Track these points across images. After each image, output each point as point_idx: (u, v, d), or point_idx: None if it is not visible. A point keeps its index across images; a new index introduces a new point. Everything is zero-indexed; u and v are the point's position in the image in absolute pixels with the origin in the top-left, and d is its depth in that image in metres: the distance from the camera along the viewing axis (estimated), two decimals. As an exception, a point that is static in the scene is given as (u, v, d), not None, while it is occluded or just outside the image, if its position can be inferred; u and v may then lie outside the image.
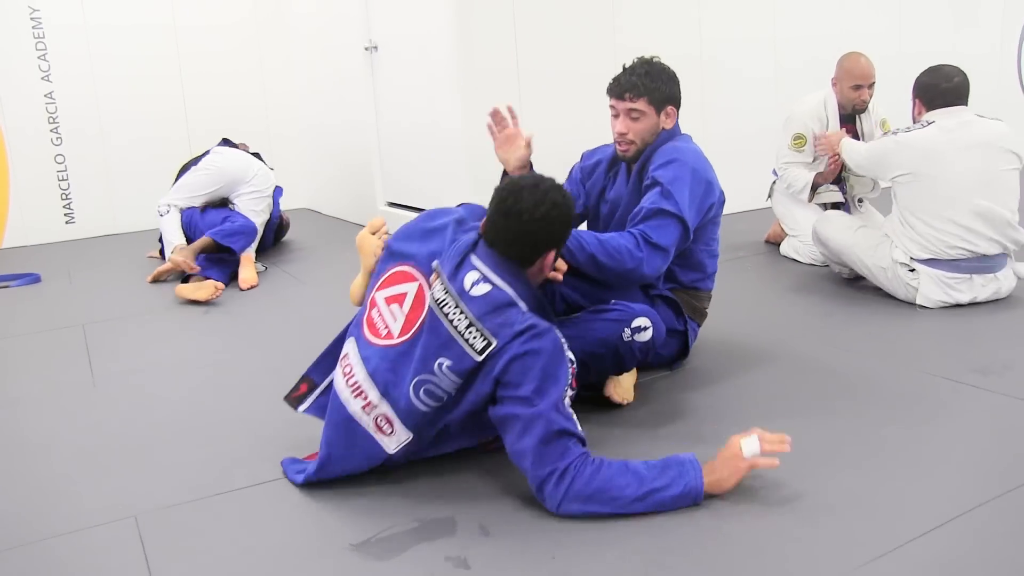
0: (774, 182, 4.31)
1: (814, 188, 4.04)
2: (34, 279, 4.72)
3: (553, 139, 4.58)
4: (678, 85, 2.62)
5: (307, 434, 2.23)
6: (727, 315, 3.19)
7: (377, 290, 2.10)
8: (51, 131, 5.92)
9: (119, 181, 6.09)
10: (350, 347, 2.06)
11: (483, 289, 1.94)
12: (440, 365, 1.92)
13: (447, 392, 1.94)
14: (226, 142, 5.02)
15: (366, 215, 5.63)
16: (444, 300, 1.95)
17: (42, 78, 5.85)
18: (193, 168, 4.83)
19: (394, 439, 1.98)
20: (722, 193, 2.62)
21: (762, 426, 1.93)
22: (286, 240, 5.30)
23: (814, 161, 4.04)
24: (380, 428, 1.99)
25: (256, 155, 5.02)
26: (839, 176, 4.08)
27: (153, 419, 2.57)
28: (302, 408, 2.21)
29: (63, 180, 6.01)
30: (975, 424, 2.24)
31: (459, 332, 1.91)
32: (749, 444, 1.87)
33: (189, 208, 4.68)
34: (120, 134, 6.10)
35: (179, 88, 6.28)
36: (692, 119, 5.08)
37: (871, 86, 3.96)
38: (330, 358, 2.19)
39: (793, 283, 3.69)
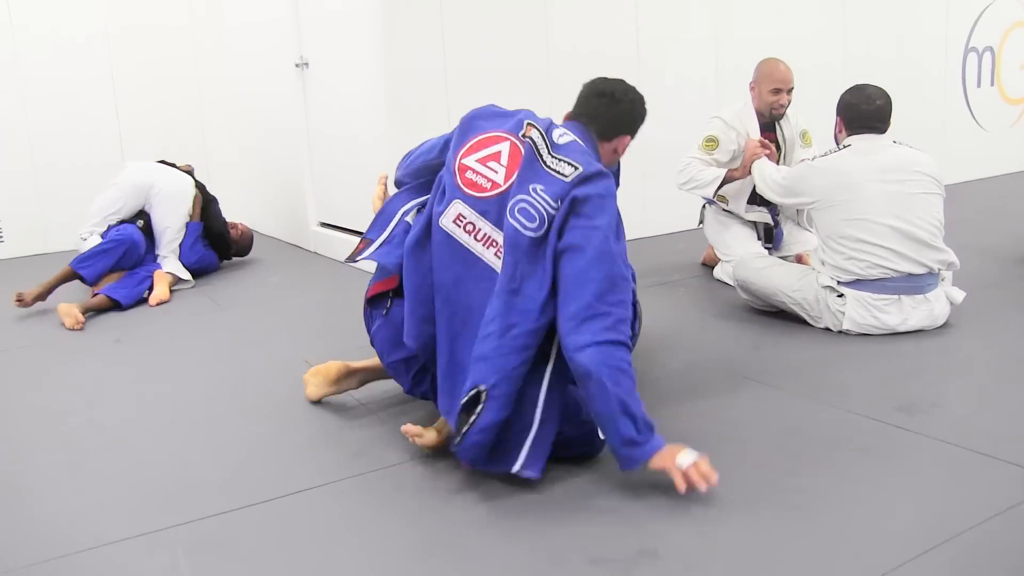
0: (704, 205, 4.22)
1: (725, 182, 3.86)
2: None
3: None
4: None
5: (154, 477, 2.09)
6: (649, 344, 3.08)
7: (463, 157, 2.23)
8: (-23, 149, 5.73)
9: (49, 201, 5.88)
10: (460, 208, 2.16)
11: (569, 138, 2.19)
12: (534, 188, 2.08)
13: (539, 215, 2.04)
14: (162, 164, 4.87)
15: (299, 235, 5.50)
16: (538, 143, 2.14)
17: (-33, 93, 5.66)
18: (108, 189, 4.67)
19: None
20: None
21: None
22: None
23: (728, 161, 3.93)
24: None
25: (189, 172, 4.86)
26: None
27: (18, 470, 2.42)
28: (364, 255, 2.36)
29: (-10, 199, 5.81)
30: (900, 471, 2.10)
31: (550, 166, 2.10)
32: (685, 456, 1.94)
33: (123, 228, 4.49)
34: (50, 150, 5.88)
35: (112, 106, 6.10)
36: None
37: (790, 91, 3.90)
38: (383, 217, 2.40)
39: (722, 310, 3.58)
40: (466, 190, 2.18)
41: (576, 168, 2.07)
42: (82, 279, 4.24)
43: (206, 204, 4.87)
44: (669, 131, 4.99)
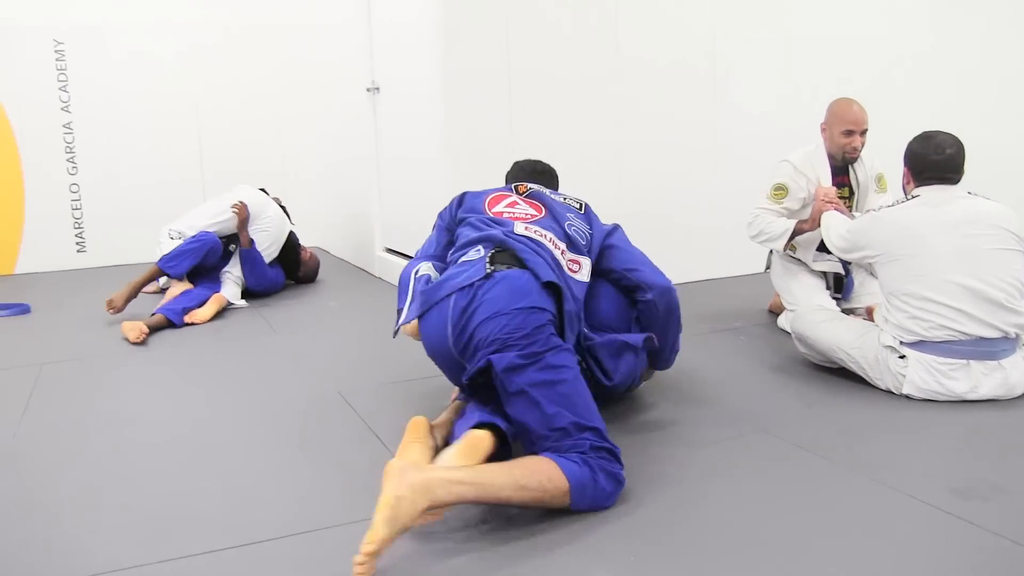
0: (771, 252, 4.04)
1: (795, 235, 3.70)
2: (23, 309, 4.68)
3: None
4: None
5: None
6: (700, 392, 2.96)
7: (492, 207, 2.68)
8: (67, 160, 5.95)
9: (131, 212, 6.08)
10: (520, 229, 2.54)
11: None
12: (568, 215, 2.69)
13: (583, 238, 2.66)
14: (262, 192, 5.05)
15: (366, 259, 5.51)
16: (538, 189, 2.78)
17: (61, 108, 5.89)
18: (214, 198, 4.93)
19: (582, 271, 2.60)
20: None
21: (695, 543, 1.67)
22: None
23: (799, 209, 3.76)
24: (572, 270, 2.56)
25: (282, 207, 5.08)
26: None
27: (52, 483, 2.43)
28: (398, 325, 2.58)
29: (76, 209, 6.02)
30: (942, 567, 1.87)
31: (563, 199, 2.76)
32: None
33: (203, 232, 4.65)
34: (134, 166, 6.11)
35: (195, 126, 6.27)
36: (703, 164, 4.90)
37: (863, 133, 3.68)
38: (401, 288, 2.64)
39: (781, 362, 3.38)
40: (520, 221, 2.58)
41: (578, 200, 2.81)
42: (168, 276, 4.53)
43: (290, 234, 5.05)
44: (740, 171, 4.87)
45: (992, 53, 5.64)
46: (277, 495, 2.29)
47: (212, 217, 4.76)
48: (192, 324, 4.22)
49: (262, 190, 5.04)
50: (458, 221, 2.72)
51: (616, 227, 2.82)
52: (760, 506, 2.15)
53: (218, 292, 4.53)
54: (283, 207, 5.07)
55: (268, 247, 4.85)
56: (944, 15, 5.48)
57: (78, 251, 6.07)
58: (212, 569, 1.91)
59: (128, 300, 4.36)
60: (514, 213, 2.63)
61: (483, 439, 2.16)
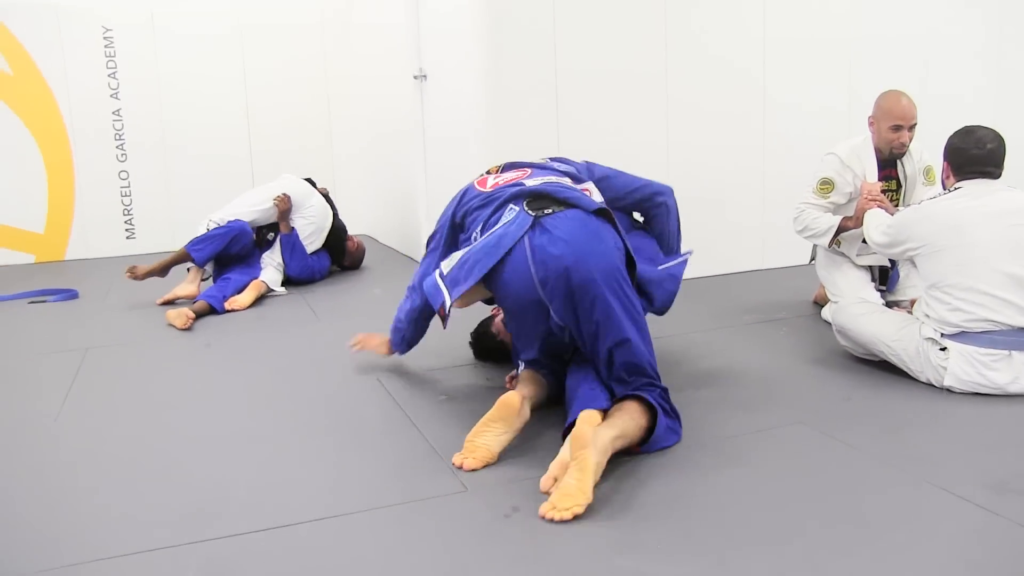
0: (815, 246, 3.97)
1: (839, 232, 3.63)
2: (71, 295, 4.78)
3: (590, 154, 4.39)
4: None
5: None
6: (739, 382, 2.93)
7: (483, 187, 2.72)
8: (117, 147, 6.05)
9: (180, 199, 6.18)
10: (531, 183, 2.61)
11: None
12: (549, 162, 2.87)
13: (570, 169, 2.82)
14: (308, 182, 5.10)
15: (412, 247, 5.53)
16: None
17: (111, 96, 5.99)
18: (259, 187, 5.01)
19: (596, 195, 2.67)
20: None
21: (727, 534, 1.65)
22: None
23: (846, 203, 3.68)
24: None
25: (326, 196, 5.15)
26: None
27: (91, 465, 2.47)
28: (448, 310, 2.47)
29: (126, 196, 6.13)
30: (972, 564, 1.82)
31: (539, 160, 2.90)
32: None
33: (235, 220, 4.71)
34: (183, 153, 6.20)
35: (244, 113, 6.34)
36: (752, 158, 4.84)
37: (912, 128, 3.57)
38: (431, 287, 2.55)
39: (822, 355, 3.31)
40: (512, 179, 2.68)
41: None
42: (193, 260, 4.54)
43: (334, 221, 5.12)
44: (790, 156, 4.80)
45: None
46: (310, 481, 2.31)
47: (251, 206, 4.80)
48: (233, 311, 4.27)
49: (308, 180, 5.08)
50: (464, 214, 2.72)
51: (590, 162, 2.97)
52: (793, 497, 2.12)
53: (257, 278, 4.56)
54: (330, 199, 5.13)
55: (310, 236, 4.89)
56: (992, 12, 5.32)
57: (127, 238, 6.18)
58: (244, 551, 1.93)
59: (150, 274, 4.48)
60: (509, 178, 2.69)
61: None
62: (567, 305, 2.39)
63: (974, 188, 2.84)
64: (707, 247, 4.59)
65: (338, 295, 4.67)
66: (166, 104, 6.12)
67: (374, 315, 4.14)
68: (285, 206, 4.76)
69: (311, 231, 4.90)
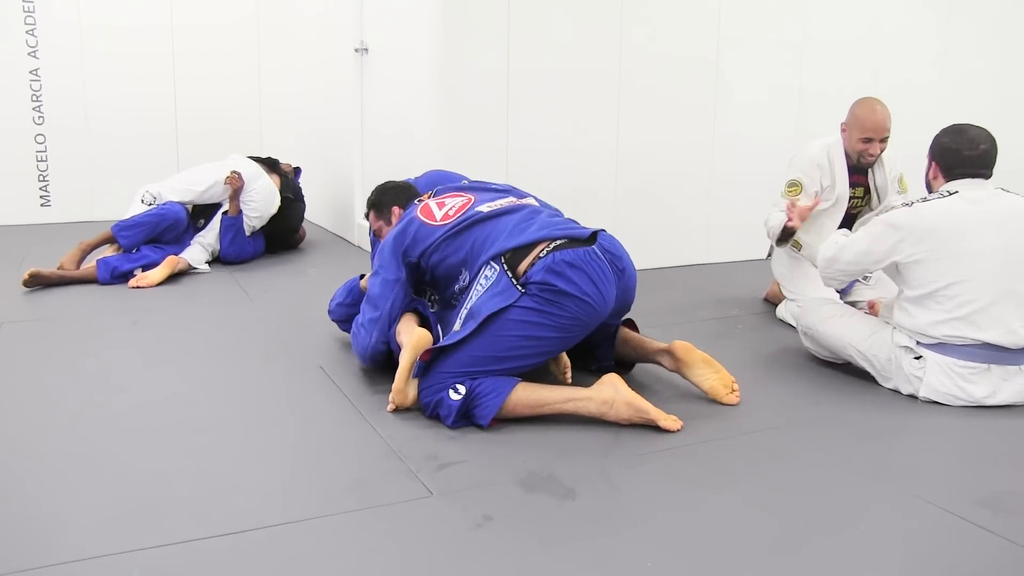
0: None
1: (786, 235, 3.56)
2: (-21, 266, 4.43)
3: (542, 143, 4.28)
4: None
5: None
6: (691, 387, 2.80)
7: (445, 216, 2.74)
8: (34, 109, 5.65)
9: (101, 167, 5.82)
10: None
11: None
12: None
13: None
14: (268, 162, 4.84)
15: (345, 227, 5.31)
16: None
17: (29, 54, 5.59)
18: (205, 164, 4.71)
19: None
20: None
21: (712, 547, 1.52)
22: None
23: (827, 206, 3.60)
24: None
25: (296, 170, 5.03)
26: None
27: (9, 460, 2.23)
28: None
29: (42, 160, 5.73)
30: (955, 572, 1.76)
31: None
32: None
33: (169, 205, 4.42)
34: (106, 120, 5.85)
35: (171, 77, 6.01)
36: (702, 149, 4.76)
37: (884, 140, 3.49)
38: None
39: (784, 356, 3.24)
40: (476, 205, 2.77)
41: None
42: (120, 245, 4.26)
43: (290, 204, 4.89)
44: (739, 154, 4.75)
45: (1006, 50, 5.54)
46: (259, 480, 2.11)
47: (193, 185, 4.52)
48: (140, 287, 4.00)
49: (269, 160, 4.84)
50: (424, 254, 2.71)
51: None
52: (775, 510, 2.02)
53: (173, 254, 4.29)
54: (292, 180, 4.94)
55: (253, 219, 4.62)
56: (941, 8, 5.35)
57: (42, 205, 5.78)
58: (188, 559, 1.73)
59: (78, 264, 4.18)
60: (459, 205, 2.76)
61: None
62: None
63: (970, 192, 2.72)
64: (652, 240, 4.54)
65: (270, 275, 4.42)
66: (89, 64, 5.74)
67: (310, 297, 3.94)
68: (237, 184, 4.49)
69: (256, 215, 4.62)
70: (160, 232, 4.32)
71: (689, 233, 4.81)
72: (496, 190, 2.92)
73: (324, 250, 5.08)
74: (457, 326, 2.51)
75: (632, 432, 2.41)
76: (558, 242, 2.48)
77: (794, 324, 3.62)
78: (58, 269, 4.09)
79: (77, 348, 3.15)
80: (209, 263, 4.48)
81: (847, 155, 3.58)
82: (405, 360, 2.45)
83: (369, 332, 2.71)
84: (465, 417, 2.38)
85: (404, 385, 2.46)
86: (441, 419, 2.40)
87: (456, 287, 2.69)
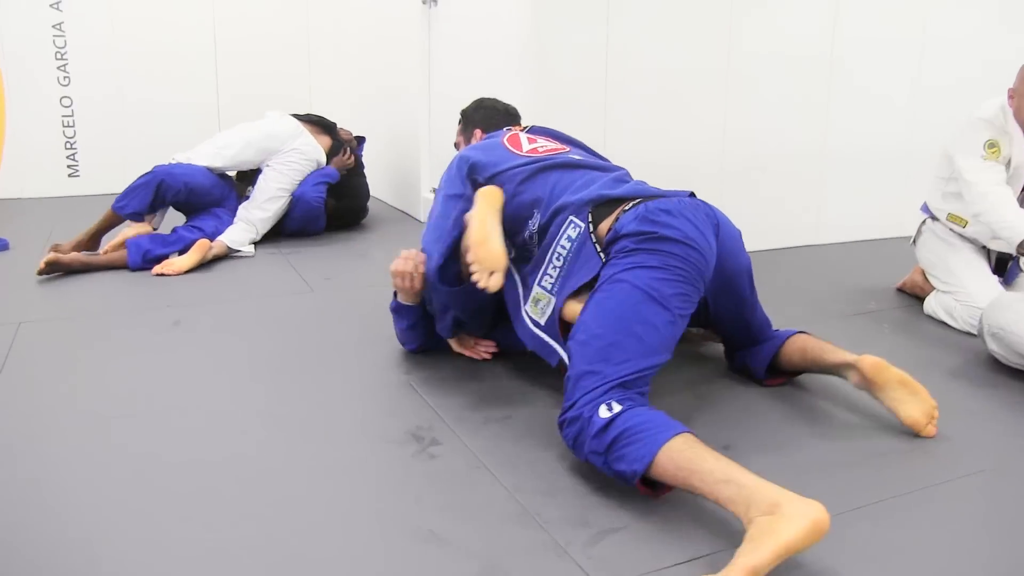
0: (924, 222, 3.32)
1: None
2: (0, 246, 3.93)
3: (643, 142, 3.71)
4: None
5: None
6: (842, 397, 2.25)
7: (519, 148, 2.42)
8: (59, 68, 5.14)
9: (133, 132, 5.30)
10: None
11: None
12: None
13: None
14: (324, 124, 4.31)
15: (410, 202, 4.78)
16: None
17: (51, 5, 5.06)
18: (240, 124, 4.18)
19: None
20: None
21: None
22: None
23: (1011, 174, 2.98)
24: None
25: (360, 140, 4.50)
26: None
27: (16, 510, 1.71)
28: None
29: (68, 127, 5.23)
30: None
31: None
32: None
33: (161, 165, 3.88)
34: (138, 79, 5.32)
35: (211, 28, 5.45)
36: (814, 127, 4.19)
37: None
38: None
39: (957, 363, 2.68)
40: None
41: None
42: (123, 218, 3.74)
43: (349, 179, 4.36)
44: (855, 137, 4.21)
45: None
46: (347, 558, 1.58)
47: (224, 148, 4.02)
48: (163, 275, 3.49)
49: (323, 121, 4.29)
50: (495, 177, 2.34)
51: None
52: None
53: (203, 237, 3.75)
54: (353, 149, 4.39)
55: (282, 183, 4.05)
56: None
57: (70, 175, 5.29)
58: None
59: (77, 250, 3.68)
60: (551, 148, 2.44)
61: None
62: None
63: None
64: (759, 219, 3.97)
65: (329, 259, 3.88)
66: (120, 21, 5.20)
67: (376, 284, 3.41)
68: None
69: (284, 182, 4.06)
70: (158, 192, 3.73)
71: (797, 213, 4.24)
72: (596, 155, 2.57)
73: (388, 230, 4.52)
74: (535, 311, 2.14)
75: (824, 485, 1.86)
76: (647, 197, 2.11)
77: (950, 322, 3.07)
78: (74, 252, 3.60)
79: (103, 356, 2.60)
80: (257, 243, 3.96)
81: (1019, 124, 2.97)
82: (479, 206, 2.18)
83: (429, 256, 2.29)
84: (605, 453, 1.77)
85: (485, 234, 2.10)
86: (573, 446, 1.84)
87: (527, 233, 2.23)
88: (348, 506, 1.74)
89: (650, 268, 1.93)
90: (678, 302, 1.95)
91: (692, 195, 2.20)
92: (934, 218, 3.26)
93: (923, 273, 3.38)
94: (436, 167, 4.47)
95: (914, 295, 3.43)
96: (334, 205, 4.24)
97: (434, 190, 4.53)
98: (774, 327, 2.43)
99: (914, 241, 3.39)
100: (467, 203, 2.25)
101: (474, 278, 2.07)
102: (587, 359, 1.86)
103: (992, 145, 2.93)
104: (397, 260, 2.37)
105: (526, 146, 2.41)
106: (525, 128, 2.57)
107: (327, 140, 4.23)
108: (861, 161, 4.27)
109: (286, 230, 4.14)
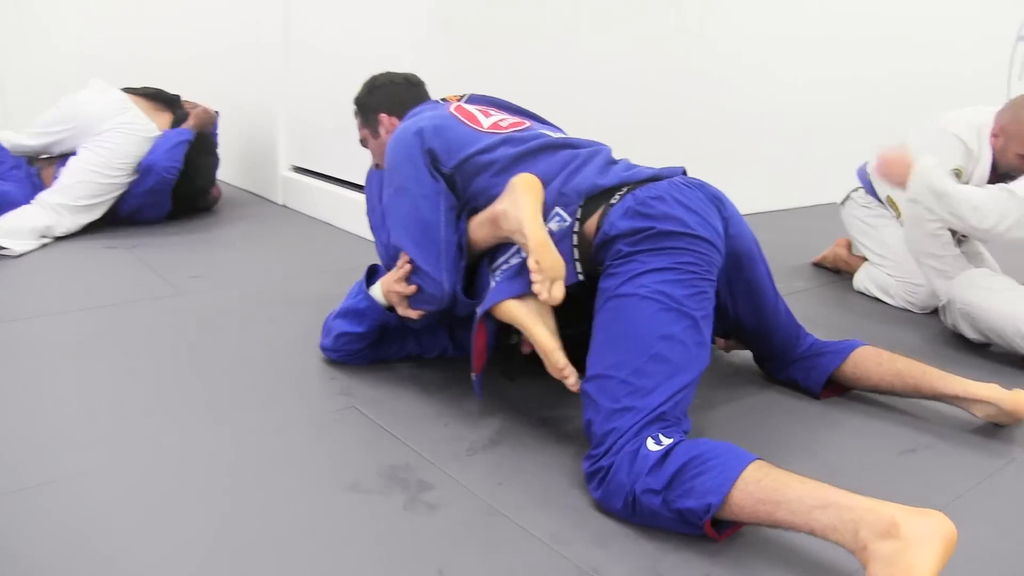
0: (855, 189, 3.18)
1: None
2: None
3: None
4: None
5: None
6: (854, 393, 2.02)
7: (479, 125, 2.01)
8: None
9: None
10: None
11: None
12: None
13: None
14: (165, 99, 3.61)
15: (266, 184, 4.19)
16: None
17: None
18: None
19: None
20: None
21: None
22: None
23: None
24: None
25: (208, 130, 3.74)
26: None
27: None
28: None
29: None
30: None
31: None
32: None
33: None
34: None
35: None
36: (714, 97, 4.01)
37: None
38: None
39: (920, 343, 2.55)
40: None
41: None
42: None
43: (196, 157, 3.62)
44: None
45: None
46: None
47: (41, 127, 3.39)
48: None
49: (164, 95, 3.60)
50: (461, 164, 1.93)
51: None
52: None
53: None
54: (212, 132, 3.74)
55: (93, 169, 3.34)
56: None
57: None
58: None
59: None
60: (514, 122, 2.05)
61: None
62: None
63: None
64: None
65: (186, 252, 3.24)
66: None
67: (255, 278, 2.89)
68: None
69: (106, 170, 3.35)
70: None
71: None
72: (553, 126, 2.21)
73: (241, 214, 3.90)
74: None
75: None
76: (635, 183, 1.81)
77: (883, 298, 2.95)
78: None
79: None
80: (49, 239, 3.23)
81: (994, 164, 2.70)
82: (525, 200, 1.76)
83: (436, 280, 1.87)
84: (666, 490, 1.43)
85: (546, 236, 1.72)
86: (610, 492, 1.49)
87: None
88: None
89: (654, 271, 1.65)
90: (695, 303, 1.65)
91: (684, 173, 1.91)
92: (870, 192, 3.10)
93: (848, 247, 3.26)
94: (297, 140, 3.92)
95: (836, 269, 3.31)
96: (176, 189, 3.57)
97: (296, 168, 3.98)
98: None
99: (842, 204, 3.23)
100: (447, 199, 1.89)
101: (535, 288, 1.67)
102: (611, 396, 1.56)
103: (958, 173, 2.69)
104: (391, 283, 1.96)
105: (484, 121, 2.02)
106: (462, 97, 2.18)
107: (167, 117, 3.55)
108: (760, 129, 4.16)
109: (123, 210, 3.46)
